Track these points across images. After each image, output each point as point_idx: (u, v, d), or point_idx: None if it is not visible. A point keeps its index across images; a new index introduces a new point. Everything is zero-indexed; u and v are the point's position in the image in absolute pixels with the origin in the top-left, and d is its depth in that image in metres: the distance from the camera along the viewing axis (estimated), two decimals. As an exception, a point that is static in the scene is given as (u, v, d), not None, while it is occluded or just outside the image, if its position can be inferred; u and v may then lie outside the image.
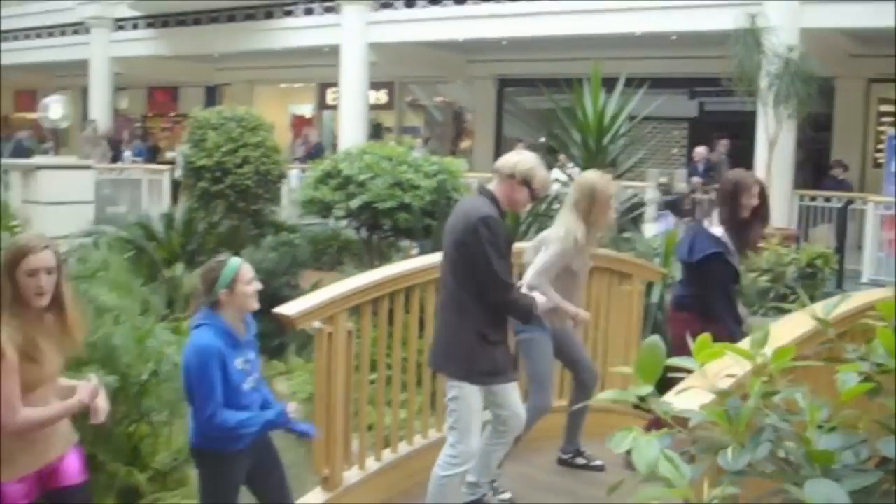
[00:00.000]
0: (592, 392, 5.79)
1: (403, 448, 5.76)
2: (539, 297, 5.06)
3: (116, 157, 21.40)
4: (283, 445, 8.38)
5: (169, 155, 22.03)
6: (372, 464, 5.56)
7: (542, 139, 12.62)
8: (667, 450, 2.14)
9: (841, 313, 3.71)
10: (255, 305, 4.24)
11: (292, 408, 4.32)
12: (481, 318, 4.68)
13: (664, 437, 2.31)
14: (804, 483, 2.11)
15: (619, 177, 9.74)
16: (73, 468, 3.95)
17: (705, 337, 2.50)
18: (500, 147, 22.28)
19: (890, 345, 2.66)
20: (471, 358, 4.69)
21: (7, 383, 3.53)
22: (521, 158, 4.81)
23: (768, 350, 2.55)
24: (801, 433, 2.31)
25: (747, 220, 5.71)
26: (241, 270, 4.19)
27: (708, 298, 5.66)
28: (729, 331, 5.27)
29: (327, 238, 12.86)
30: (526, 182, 4.71)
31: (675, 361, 2.53)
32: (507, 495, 5.44)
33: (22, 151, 18.22)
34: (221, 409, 4.08)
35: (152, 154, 23.98)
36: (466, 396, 4.73)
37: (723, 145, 16.93)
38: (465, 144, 24.13)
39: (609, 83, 9.99)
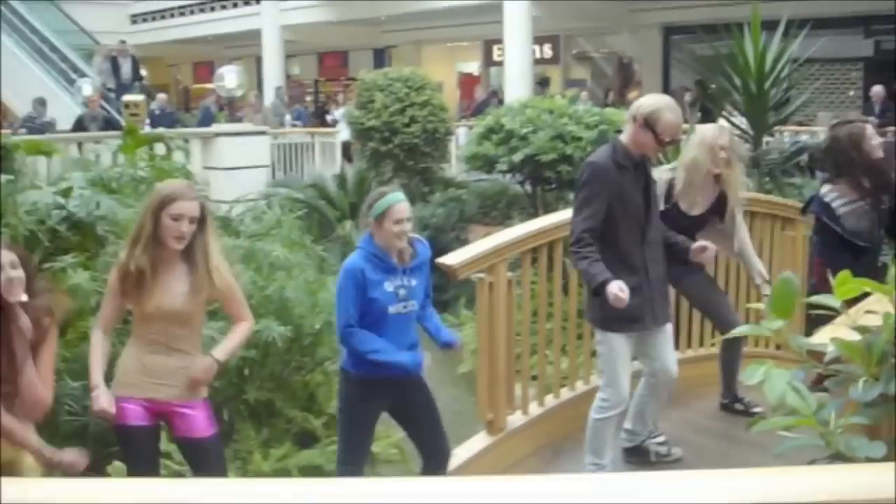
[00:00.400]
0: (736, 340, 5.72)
1: (566, 394, 5.90)
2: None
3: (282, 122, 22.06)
4: (449, 392, 8.69)
5: (329, 118, 22.49)
6: (535, 409, 5.73)
7: (712, 87, 12.43)
8: (796, 382, 2.21)
9: None
10: (399, 244, 4.41)
11: (427, 362, 4.46)
12: (607, 267, 4.64)
13: (797, 371, 2.39)
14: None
15: (781, 121, 9.58)
16: (199, 421, 4.25)
17: (845, 273, 2.55)
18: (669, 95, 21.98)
19: None
20: (601, 305, 4.70)
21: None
22: (645, 101, 4.74)
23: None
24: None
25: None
26: (394, 208, 4.36)
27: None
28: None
29: (495, 193, 13.02)
30: (648, 125, 4.62)
31: (817, 299, 2.58)
32: (661, 438, 5.46)
33: (209, 117, 18.97)
34: (356, 328, 4.35)
35: (321, 117, 24.57)
36: (609, 342, 4.81)
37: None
38: (632, 95, 23.87)
39: (775, 26, 9.77)
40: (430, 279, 4.68)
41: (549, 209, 10.89)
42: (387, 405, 4.60)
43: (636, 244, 4.75)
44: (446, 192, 12.61)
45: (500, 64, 22.55)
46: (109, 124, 17.04)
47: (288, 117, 22.34)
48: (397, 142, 13.23)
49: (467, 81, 27.02)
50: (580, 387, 5.96)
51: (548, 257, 5.69)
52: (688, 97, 17.92)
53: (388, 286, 4.37)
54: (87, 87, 19.42)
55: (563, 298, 5.96)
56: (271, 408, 6.17)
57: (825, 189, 5.64)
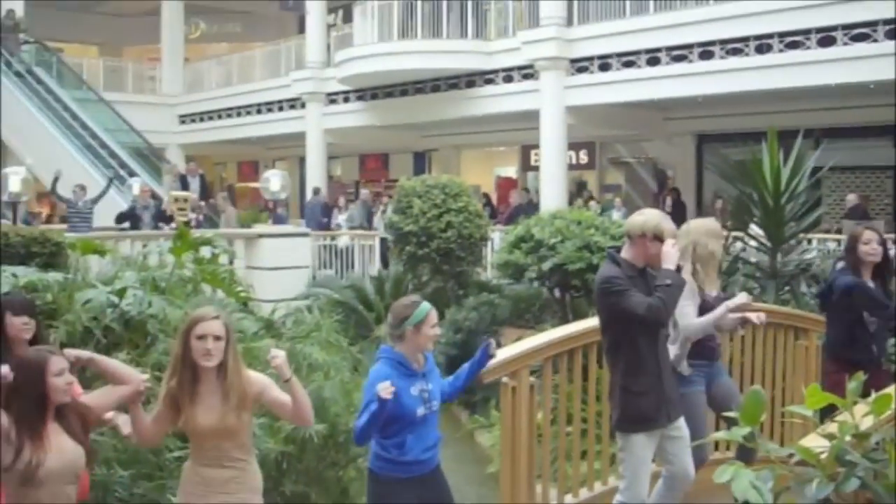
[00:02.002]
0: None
1: (584, 494, 6.20)
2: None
3: (329, 223, 22.62)
4: (477, 491, 8.96)
5: (335, 222, 22.99)
6: (557, 508, 6.04)
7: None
8: (759, 482, 2.57)
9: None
10: (432, 347, 4.93)
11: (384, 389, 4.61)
12: (620, 371, 5.14)
13: (764, 472, 2.75)
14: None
15: (799, 232, 9.93)
16: None
17: (815, 386, 2.92)
18: (702, 203, 22.40)
19: None
20: (619, 408, 5.15)
21: None
22: (647, 217, 5.19)
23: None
24: (881, 469, 2.70)
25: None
26: (430, 314, 4.85)
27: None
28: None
29: (529, 297, 13.37)
30: (657, 237, 5.07)
31: (791, 409, 2.97)
32: None
33: (281, 220, 19.59)
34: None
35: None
36: (631, 446, 5.16)
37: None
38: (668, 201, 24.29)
39: (803, 135, 10.17)
40: (440, 377, 5.11)
41: (578, 313, 11.24)
42: (412, 501, 4.94)
43: (650, 347, 5.13)
44: (480, 295, 12.99)
45: (536, 168, 23.10)
46: (160, 215, 17.80)
47: (342, 218, 22.87)
48: (434, 246, 13.68)
49: (505, 185, 27.59)
50: (598, 487, 6.25)
51: (568, 360, 6.05)
52: (719, 204, 18.36)
53: (414, 391, 4.78)
54: (136, 186, 20.19)
55: (585, 399, 6.28)
56: (307, 500, 6.51)
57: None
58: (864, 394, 5.82)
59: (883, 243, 6.27)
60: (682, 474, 5.38)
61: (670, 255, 5.04)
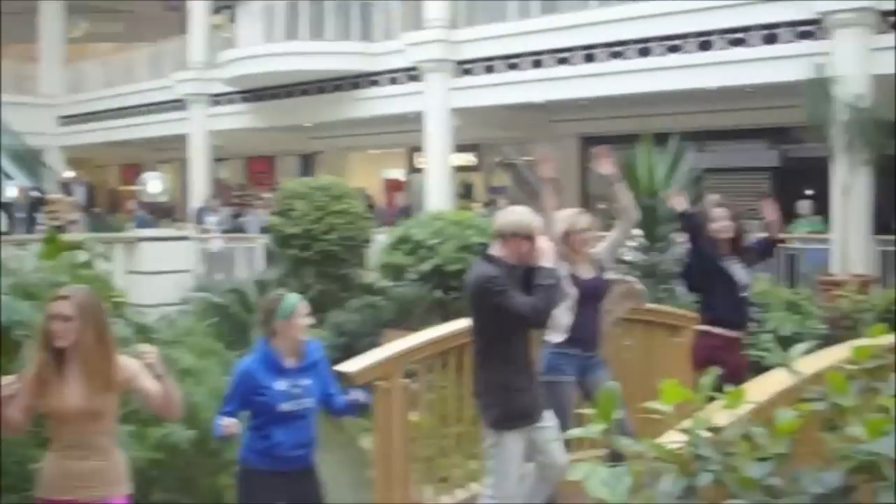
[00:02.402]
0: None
1: (461, 494, 6.16)
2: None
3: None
4: (366, 496, 8.85)
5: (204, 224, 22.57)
6: (432, 510, 5.99)
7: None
8: (612, 479, 2.53)
9: (829, 364, 4.06)
10: (306, 336, 4.89)
11: (226, 425, 4.71)
12: (497, 370, 5.12)
13: (620, 469, 2.71)
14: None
15: (671, 233, 10.08)
16: None
17: (672, 382, 2.90)
18: (588, 204, 22.64)
19: (838, 384, 3.02)
20: (492, 405, 5.13)
21: None
22: (518, 216, 5.22)
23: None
24: (733, 463, 2.69)
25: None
26: (300, 305, 4.88)
27: None
28: None
29: (414, 299, 13.32)
30: (529, 236, 5.09)
31: (648, 405, 2.94)
32: None
33: (145, 223, 19.15)
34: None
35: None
36: (503, 443, 5.14)
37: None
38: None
39: (682, 137, 10.38)
40: (330, 376, 5.01)
41: (462, 315, 11.21)
42: (281, 499, 4.85)
43: (523, 344, 5.17)
44: (362, 297, 12.88)
45: (422, 171, 23.10)
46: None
47: (212, 219, 22.47)
48: (316, 249, 13.53)
49: (392, 187, 27.51)
50: (475, 488, 6.21)
51: (443, 361, 6.01)
52: (602, 205, 18.57)
53: (281, 385, 4.70)
54: (11, 190, 19.58)
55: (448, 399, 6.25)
56: (181, 509, 6.34)
57: None
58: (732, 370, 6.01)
59: (735, 219, 6.39)
60: (555, 464, 5.40)
61: (547, 252, 5.03)
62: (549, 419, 5.44)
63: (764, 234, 7.11)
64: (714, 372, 2.99)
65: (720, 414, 2.94)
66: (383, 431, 5.57)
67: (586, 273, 6.01)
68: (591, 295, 6.01)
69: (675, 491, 2.59)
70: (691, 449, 2.73)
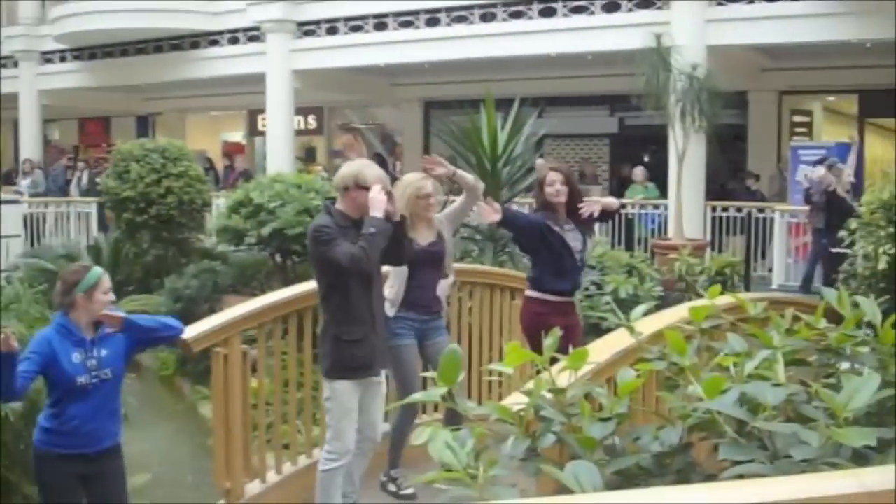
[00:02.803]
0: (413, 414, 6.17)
1: (303, 461, 6.08)
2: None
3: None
4: (202, 465, 8.67)
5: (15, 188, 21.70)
6: (273, 476, 5.88)
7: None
8: (457, 442, 2.49)
9: (667, 324, 4.13)
10: (104, 312, 4.67)
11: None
12: (333, 320, 5.15)
13: (464, 432, 2.68)
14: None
15: (513, 197, 10.19)
16: None
17: (514, 344, 2.88)
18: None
19: (678, 345, 3.05)
20: (327, 356, 5.16)
21: None
22: (350, 167, 5.29)
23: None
24: (574, 423, 2.69)
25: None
26: (103, 279, 4.68)
27: None
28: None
29: (254, 264, 13.11)
30: (361, 186, 5.10)
31: (491, 367, 2.92)
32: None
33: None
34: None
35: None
36: (337, 395, 5.16)
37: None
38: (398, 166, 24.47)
39: (523, 103, 10.46)
40: (134, 332, 4.84)
41: (302, 279, 11.08)
42: (77, 479, 4.69)
43: (363, 297, 5.14)
44: (201, 263, 12.59)
45: (263, 134, 22.72)
46: None
47: (25, 182, 21.50)
48: (153, 212, 13.16)
49: (232, 150, 26.96)
50: (317, 454, 6.13)
51: (284, 327, 5.91)
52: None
53: (77, 357, 4.56)
54: None
55: (287, 363, 6.14)
56: (9, 484, 6.05)
57: None
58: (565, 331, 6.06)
59: (569, 183, 6.35)
60: (370, 426, 5.44)
61: (376, 201, 5.03)
62: (381, 382, 5.48)
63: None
64: (555, 334, 2.99)
65: (562, 375, 2.94)
66: (221, 398, 5.42)
67: (424, 239, 5.99)
68: (429, 260, 5.99)
69: (518, 452, 2.57)
70: (533, 410, 2.71)
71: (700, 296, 10.64)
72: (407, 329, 5.93)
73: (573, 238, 6.26)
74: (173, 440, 8.99)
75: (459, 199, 6.32)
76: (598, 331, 8.36)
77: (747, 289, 12.95)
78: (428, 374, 2.86)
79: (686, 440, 2.77)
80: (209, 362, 10.37)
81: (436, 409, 6.86)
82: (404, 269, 5.88)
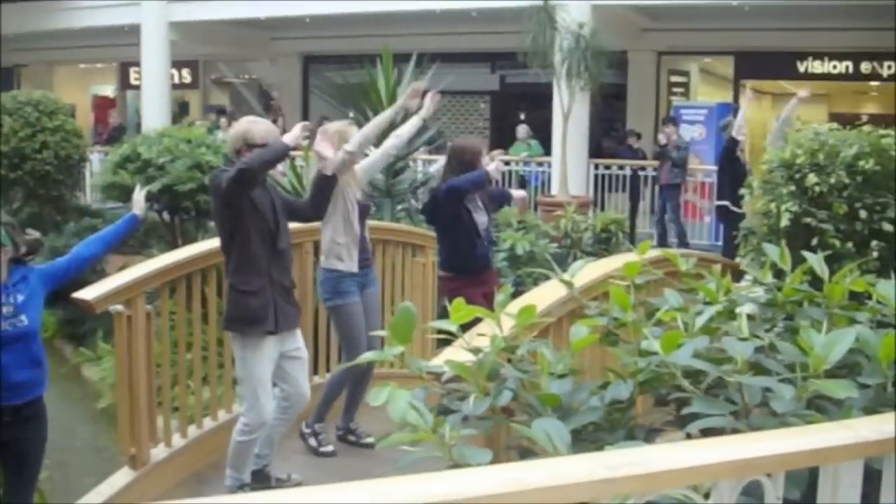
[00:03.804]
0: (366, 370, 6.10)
1: (208, 423, 5.94)
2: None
3: None
4: (90, 429, 8.44)
5: None
6: (178, 440, 5.73)
7: (350, 115, 13.04)
8: (416, 401, 2.43)
9: (593, 277, 4.14)
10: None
11: None
12: (232, 271, 5.08)
13: (418, 390, 2.62)
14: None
15: (409, 154, 10.11)
16: None
17: (459, 300, 2.82)
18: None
19: (621, 300, 3.04)
20: (227, 306, 5.10)
21: None
22: (235, 130, 5.17)
23: (514, 310, 2.89)
24: (536, 380, 2.65)
25: None
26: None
27: None
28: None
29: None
30: (250, 144, 4.99)
31: (436, 324, 2.84)
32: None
33: None
34: None
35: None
36: (244, 352, 5.06)
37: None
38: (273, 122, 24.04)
39: (405, 59, 10.36)
40: (47, 272, 4.83)
41: (188, 238, 10.83)
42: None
43: (264, 250, 5.04)
44: (81, 220, 12.18)
45: (137, 87, 22.06)
46: None
47: None
48: (27, 168, 12.63)
49: (102, 105, 26.12)
50: (222, 416, 6.01)
51: (187, 287, 5.74)
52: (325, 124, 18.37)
53: None
54: None
55: (204, 327, 6.03)
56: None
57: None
58: (485, 296, 6.07)
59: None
60: (298, 395, 5.36)
61: (291, 134, 4.98)
62: (301, 349, 5.37)
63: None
64: (507, 290, 2.95)
65: (488, 332, 2.89)
66: (125, 361, 5.22)
67: (357, 193, 5.94)
68: (363, 214, 5.98)
69: (479, 411, 2.53)
70: (487, 367, 2.67)
71: (586, 253, 10.86)
72: (353, 285, 5.89)
73: (482, 216, 6.32)
74: (59, 405, 8.70)
75: (380, 148, 6.26)
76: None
77: (632, 246, 13.17)
78: (381, 333, 2.78)
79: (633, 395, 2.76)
80: (92, 324, 10.24)
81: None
82: (347, 227, 5.85)
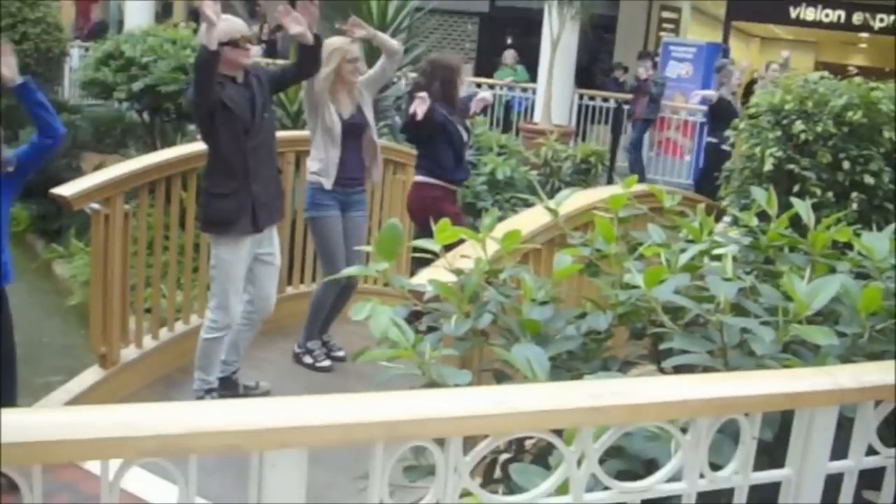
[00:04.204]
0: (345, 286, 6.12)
1: (180, 327, 5.95)
2: None
3: None
4: (58, 325, 8.43)
5: None
6: (149, 342, 5.74)
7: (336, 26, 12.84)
8: (397, 318, 2.43)
9: (576, 207, 4.14)
10: None
11: None
12: (206, 173, 5.15)
13: (399, 308, 2.62)
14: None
15: (399, 69, 10.01)
16: None
17: (445, 221, 2.81)
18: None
19: (606, 232, 3.04)
20: (202, 208, 5.17)
21: None
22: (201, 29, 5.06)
23: (498, 234, 2.89)
24: (517, 305, 2.66)
25: None
26: None
27: None
28: None
29: (111, 120, 12.63)
30: (223, 43, 4.88)
31: (419, 243, 2.83)
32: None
33: None
34: None
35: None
36: (218, 253, 5.10)
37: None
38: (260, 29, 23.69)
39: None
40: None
41: (166, 140, 10.75)
42: None
43: (238, 150, 5.03)
44: (59, 116, 11.97)
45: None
46: None
47: None
48: (7, 60, 12.41)
49: (84, 1, 25.60)
50: (194, 320, 6.02)
51: (165, 190, 5.71)
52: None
53: None
54: None
55: (180, 232, 6.01)
56: None
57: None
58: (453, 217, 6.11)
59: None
60: (263, 299, 5.39)
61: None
62: (275, 255, 5.37)
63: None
64: (494, 213, 2.94)
65: (471, 254, 2.89)
66: (101, 259, 5.20)
67: (346, 111, 5.89)
68: (350, 133, 5.90)
69: (460, 332, 2.54)
70: (470, 289, 2.67)
71: (565, 182, 10.82)
72: (331, 200, 5.87)
73: (463, 130, 6.40)
74: (28, 300, 8.68)
75: (378, 64, 6.16)
76: (473, 211, 8.39)
77: (610, 179, 13.19)
78: (366, 248, 2.78)
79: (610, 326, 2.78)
80: (65, 221, 10.18)
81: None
82: (328, 143, 5.82)
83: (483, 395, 1.72)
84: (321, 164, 5.84)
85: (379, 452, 1.61)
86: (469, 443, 1.72)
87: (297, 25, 5.20)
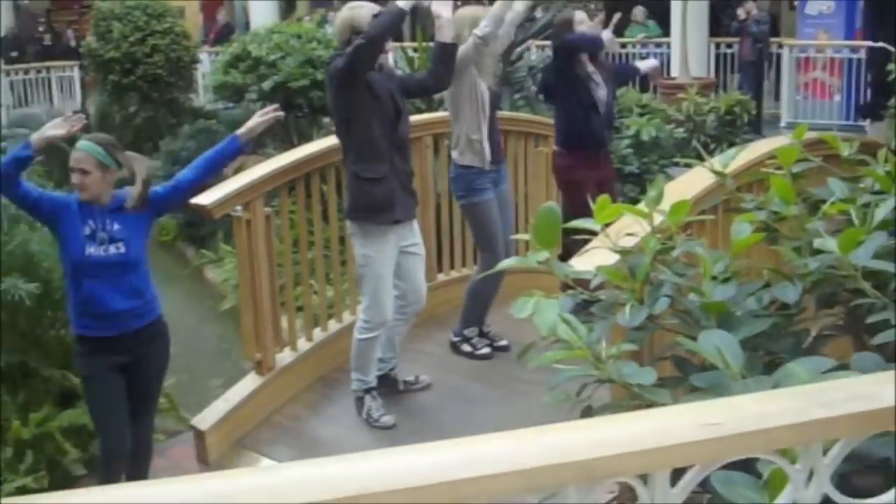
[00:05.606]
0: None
1: (333, 326, 5.83)
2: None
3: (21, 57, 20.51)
4: (214, 330, 8.45)
5: None
6: (304, 344, 5.64)
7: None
8: (565, 313, 2.19)
9: (741, 164, 3.79)
10: (80, 195, 4.25)
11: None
12: (352, 159, 4.93)
13: (565, 299, 2.38)
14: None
15: (525, 39, 9.74)
16: None
17: (605, 198, 2.55)
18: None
19: (784, 192, 2.72)
20: (350, 196, 4.97)
21: None
22: (339, 20, 5.06)
23: (665, 207, 2.60)
24: (697, 286, 2.38)
25: None
26: (71, 155, 4.25)
27: None
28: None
29: (246, 121, 12.69)
30: (357, 31, 4.80)
31: (577, 224, 2.57)
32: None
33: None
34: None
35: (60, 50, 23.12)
36: (372, 262, 4.92)
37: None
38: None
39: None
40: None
41: (303, 136, 10.71)
42: (118, 364, 4.35)
43: (385, 137, 4.88)
44: (195, 123, 12.14)
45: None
46: None
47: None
48: (140, 73, 12.63)
49: (209, 4, 26.01)
50: (347, 318, 5.89)
51: (305, 187, 5.59)
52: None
53: (86, 229, 4.20)
54: None
55: (324, 226, 5.89)
56: (25, 369, 5.77)
57: None
58: (599, 184, 5.86)
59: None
60: (414, 291, 5.22)
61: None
62: (419, 245, 5.20)
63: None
64: (659, 182, 2.66)
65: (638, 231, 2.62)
66: (247, 265, 5.10)
67: (489, 81, 5.66)
68: (493, 104, 5.68)
69: (636, 321, 2.27)
70: (643, 272, 2.41)
71: (709, 136, 10.35)
72: (488, 182, 5.65)
73: (600, 90, 6.07)
74: (184, 307, 8.76)
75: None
76: (620, 176, 8.07)
77: (758, 129, 12.65)
78: (523, 237, 2.55)
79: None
80: (211, 226, 10.24)
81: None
82: (480, 118, 5.56)
83: (683, 416, 1.45)
84: (477, 144, 5.55)
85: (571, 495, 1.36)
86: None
87: (446, 8, 5.05)
